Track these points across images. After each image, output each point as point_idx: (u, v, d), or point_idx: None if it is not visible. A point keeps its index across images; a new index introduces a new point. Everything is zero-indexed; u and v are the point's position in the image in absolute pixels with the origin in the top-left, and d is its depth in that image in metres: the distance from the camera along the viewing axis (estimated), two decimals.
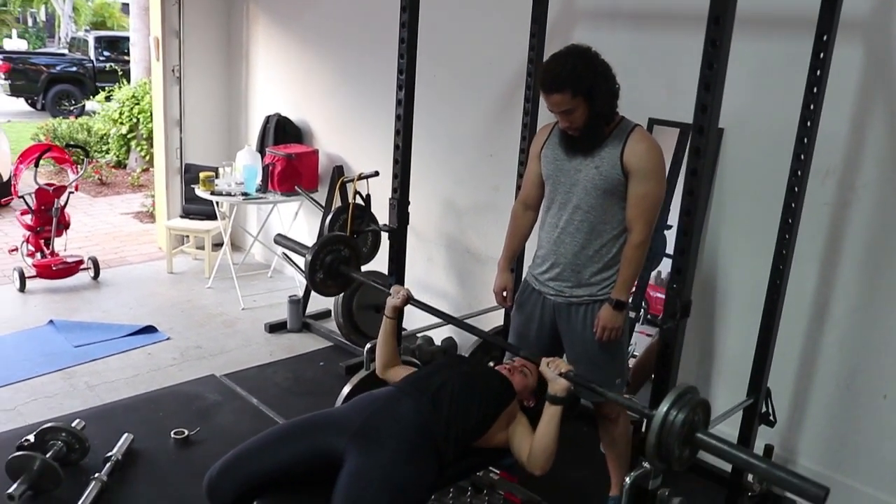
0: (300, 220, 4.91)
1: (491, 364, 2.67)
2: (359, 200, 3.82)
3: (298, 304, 4.26)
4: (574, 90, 2.27)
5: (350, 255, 2.87)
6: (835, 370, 2.76)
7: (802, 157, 2.42)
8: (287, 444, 2.09)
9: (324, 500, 2.01)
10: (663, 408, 1.79)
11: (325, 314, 4.51)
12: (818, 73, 2.35)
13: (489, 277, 3.73)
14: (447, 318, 2.67)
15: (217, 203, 4.83)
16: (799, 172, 2.43)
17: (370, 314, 3.81)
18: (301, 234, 4.99)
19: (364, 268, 3.88)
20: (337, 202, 4.00)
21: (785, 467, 1.74)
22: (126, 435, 2.99)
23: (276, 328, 4.26)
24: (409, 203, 2.90)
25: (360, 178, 3.79)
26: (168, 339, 4.06)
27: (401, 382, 2.31)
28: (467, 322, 2.70)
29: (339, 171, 3.98)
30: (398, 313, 2.57)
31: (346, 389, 2.94)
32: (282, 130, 4.71)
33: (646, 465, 2.09)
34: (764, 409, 2.66)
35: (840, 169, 2.63)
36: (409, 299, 2.56)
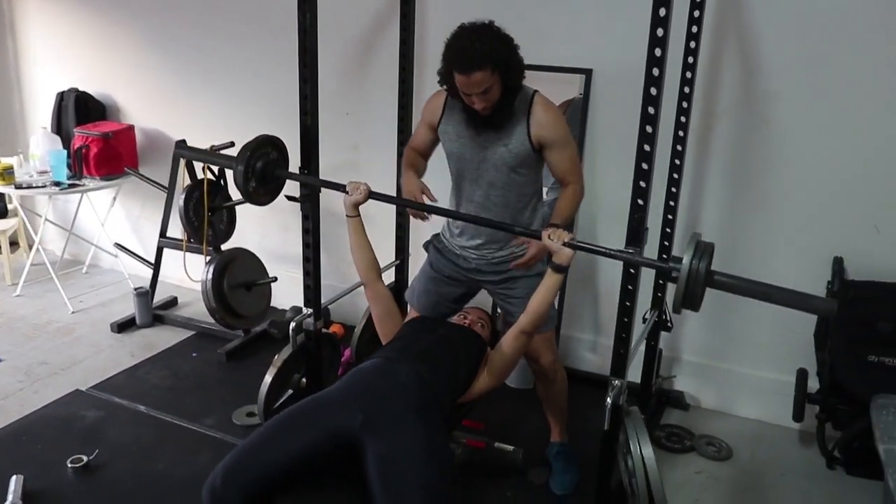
0: (118, 207, 4.40)
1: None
2: (209, 175, 3.54)
3: (147, 296, 3.87)
4: (493, 66, 2.22)
5: (278, 156, 2.68)
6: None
7: (687, 90, 2.71)
8: (294, 435, 1.96)
9: (347, 492, 1.95)
10: (687, 259, 1.95)
11: (171, 303, 4.16)
12: (696, 13, 2.63)
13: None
14: (408, 203, 2.57)
15: (7, 197, 4.17)
16: (685, 104, 2.72)
17: (242, 293, 3.59)
18: (121, 223, 4.51)
19: (224, 246, 3.66)
20: (184, 180, 3.65)
21: (795, 290, 1.99)
22: (15, 477, 2.57)
23: (124, 326, 3.83)
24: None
25: (213, 150, 3.49)
26: (1, 360, 3.49)
27: (387, 351, 2.26)
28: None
29: (182, 145, 3.62)
30: (358, 210, 2.48)
31: (270, 376, 2.80)
32: (83, 108, 4.14)
33: (616, 382, 2.32)
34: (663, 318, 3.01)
35: (701, 98, 2.98)
36: (370, 192, 2.45)
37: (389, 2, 3.40)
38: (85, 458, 2.72)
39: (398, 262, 3.42)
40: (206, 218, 3.52)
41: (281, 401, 2.90)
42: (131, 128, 4.12)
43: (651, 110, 2.09)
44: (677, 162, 2.81)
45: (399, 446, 1.92)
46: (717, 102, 2.97)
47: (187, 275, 3.64)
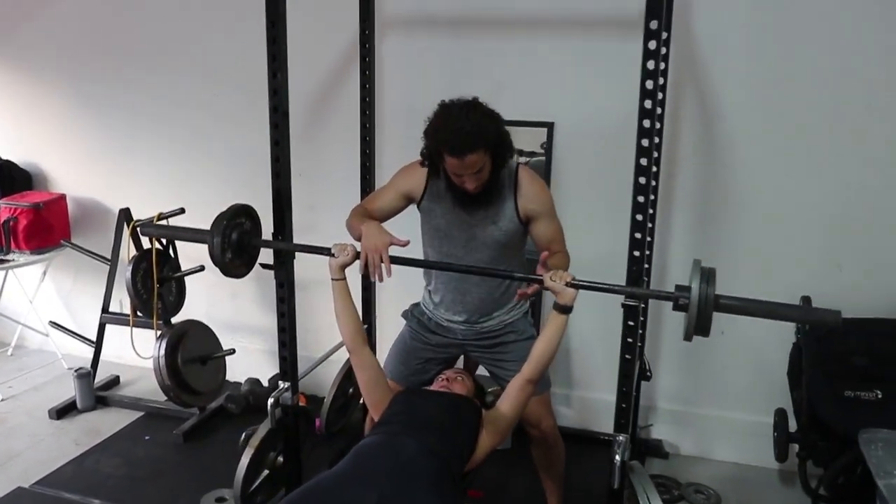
0: (47, 283, 4.09)
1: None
2: (157, 244, 3.33)
3: (89, 377, 3.58)
4: (486, 146, 2.16)
5: (252, 226, 2.52)
6: (679, 318, 3.20)
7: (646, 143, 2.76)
8: None
9: None
10: (695, 285, 1.94)
11: (113, 383, 3.87)
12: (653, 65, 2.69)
13: (315, 303, 3.60)
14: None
15: None
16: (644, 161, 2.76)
17: (197, 368, 3.37)
18: (51, 300, 4.20)
19: (174, 319, 3.45)
20: (127, 250, 3.42)
21: (798, 305, 2.08)
22: None
23: (64, 412, 3.52)
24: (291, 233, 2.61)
25: (161, 218, 3.30)
26: None
27: (388, 426, 2.12)
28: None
29: (126, 214, 3.41)
30: (344, 273, 2.31)
31: (246, 458, 2.61)
32: (7, 177, 3.86)
33: (620, 438, 2.27)
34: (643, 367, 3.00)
35: (665, 145, 3.04)
36: (357, 253, 2.29)
37: (344, 58, 3.35)
38: None
39: (366, 326, 3.28)
40: (154, 290, 3.31)
41: (256, 483, 2.70)
42: (63, 197, 3.86)
43: (644, 161, 2.09)
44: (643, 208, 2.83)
45: None
46: (678, 150, 3.03)
47: (135, 352, 3.39)
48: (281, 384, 2.64)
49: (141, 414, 3.55)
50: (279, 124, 2.48)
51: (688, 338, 2.04)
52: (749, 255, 3.04)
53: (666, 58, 2.72)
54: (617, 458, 2.24)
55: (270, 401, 2.58)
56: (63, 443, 3.29)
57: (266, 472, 2.75)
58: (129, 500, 2.86)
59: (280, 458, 2.79)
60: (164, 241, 3.32)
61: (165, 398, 3.62)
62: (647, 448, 3.25)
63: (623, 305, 2.19)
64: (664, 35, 2.67)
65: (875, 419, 2.72)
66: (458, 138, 2.13)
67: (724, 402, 3.22)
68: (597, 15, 3.03)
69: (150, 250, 3.31)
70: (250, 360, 3.74)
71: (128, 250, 3.36)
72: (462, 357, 2.77)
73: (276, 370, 3.76)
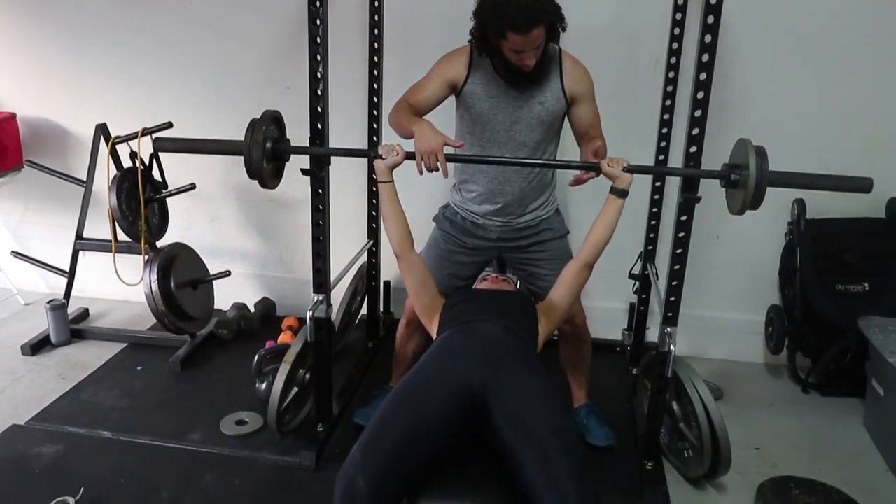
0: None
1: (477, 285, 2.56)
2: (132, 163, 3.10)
3: (64, 309, 3.32)
4: (548, 19, 2.14)
5: (280, 133, 2.38)
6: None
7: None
8: (420, 407, 1.82)
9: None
10: (753, 160, 2.02)
11: (83, 316, 3.62)
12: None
13: (303, 221, 3.47)
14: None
15: None
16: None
17: (189, 293, 3.20)
18: (12, 226, 3.84)
19: (159, 243, 3.26)
20: (103, 169, 3.16)
21: (837, 175, 2.15)
22: None
23: (38, 347, 3.27)
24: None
25: (146, 133, 3.06)
26: None
27: (461, 318, 2.11)
28: None
29: (103, 130, 3.12)
30: (392, 174, 2.23)
31: (283, 374, 2.52)
32: None
33: (668, 330, 2.36)
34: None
35: (664, 57, 3.08)
36: (406, 153, 2.22)
37: None
38: (71, 501, 2.30)
39: (371, 243, 3.21)
40: (142, 210, 3.10)
41: (287, 401, 2.62)
42: (13, 116, 3.50)
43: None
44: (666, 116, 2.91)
45: (522, 400, 1.83)
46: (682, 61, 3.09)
47: (119, 279, 3.18)
48: (315, 297, 2.54)
49: (124, 345, 3.35)
50: (320, 17, 2.28)
51: (742, 211, 2.12)
52: None
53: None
54: (672, 348, 2.35)
55: (309, 314, 2.49)
56: (47, 378, 3.07)
57: (295, 389, 2.68)
58: (143, 430, 2.71)
59: (307, 376, 2.73)
60: (139, 158, 3.10)
61: (147, 328, 3.48)
62: (647, 350, 3.38)
63: (680, 201, 2.26)
64: None
65: (864, 309, 2.97)
66: (523, 13, 2.10)
67: (717, 303, 3.38)
68: None
69: (131, 169, 3.10)
70: (233, 285, 3.57)
71: (107, 170, 3.10)
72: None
73: (261, 294, 3.70)
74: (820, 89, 3.06)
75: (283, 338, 3.37)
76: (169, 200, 3.30)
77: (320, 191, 2.45)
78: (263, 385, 2.94)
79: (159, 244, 3.26)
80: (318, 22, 2.28)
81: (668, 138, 2.94)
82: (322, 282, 2.54)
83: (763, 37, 3.02)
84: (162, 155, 3.12)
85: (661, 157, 2.93)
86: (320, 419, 2.67)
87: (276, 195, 3.55)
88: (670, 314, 2.40)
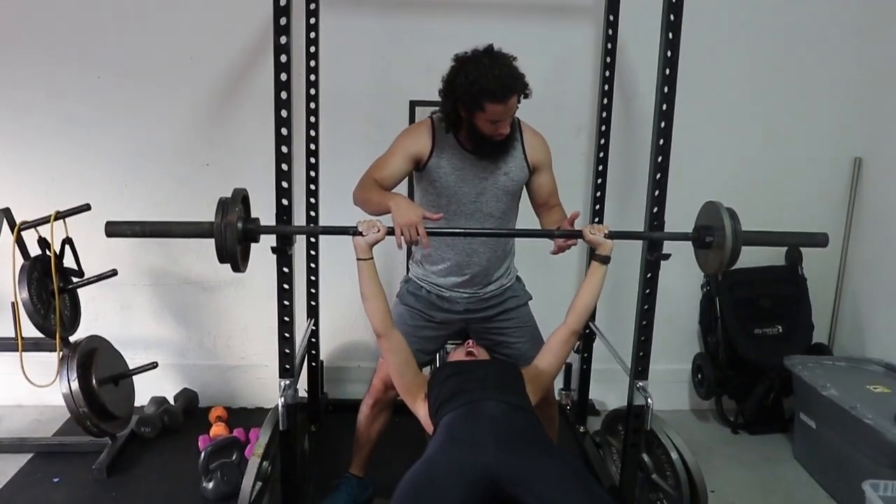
0: None
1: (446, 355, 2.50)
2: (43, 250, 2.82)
3: None
4: (520, 89, 2.21)
5: (246, 213, 2.20)
6: None
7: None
8: (446, 499, 1.74)
9: None
10: (727, 221, 2.14)
11: None
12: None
13: (225, 305, 3.31)
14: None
15: None
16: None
17: (111, 390, 2.91)
18: None
19: (74, 337, 2.96)
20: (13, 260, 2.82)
21: (797, 231, 2.33)
22: None
23: None
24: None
25: (60, 217, 2.78)
26: None
27: (457, 398, 2.06)
28: None
29: (6, 215, 2.79)
30: (371, 252, 2.16)
31: (254, 468, 2.33)
32: None
33: (641, 384, 2.45)
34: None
35: (588, 124, 3.28)
36: (387, 230, 2.16)
37: (260, 37, 3.11)
38: None
39: (311, 322, 3.08)
40: (57, 303, 2.81)
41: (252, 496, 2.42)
42: None
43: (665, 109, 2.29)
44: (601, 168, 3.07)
45: (555, 488, 1.79)
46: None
47: (27, 379, 2.82)
48: (282, 382, 2.39)
49: (29, 455, 2.96)
50: (285, 86, 2.21)
51: (718, 271, 2.25)
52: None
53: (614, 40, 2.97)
54: (650, 401, 2.43)
55: (281, 400, 2.33)
56: None
57: (259, 483, 2.48)
58: None
59: (269, 468, 2.54)
60: (47, 243, 2.82)
61: (52, 434, 3.12)
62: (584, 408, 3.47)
63: (648, 259, 2.38)
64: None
65: (779, 349, 3.24)
66: (500, 84, 2.16)
67: None
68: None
69: (39, 257, 2.80)
70: (149, 378, 3.27)
71: (13, 260, 2.78)
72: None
73: (180, 385, 3.43)
74: (730, 150, 3.35)
75: (216, 430, 3.13)
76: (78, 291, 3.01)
77: (286, 269, 2.33)
78: (211, 484, 2.71)
79: (71, 338, 2.95)
80: (283, 95, 2.21)
81: (602, 202, 3.09)
82: (290, 364, 2.40)
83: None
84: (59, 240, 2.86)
85: (597, 220, 3.07)
86: None
87: (195, 277, 3.39)
88: (640, 368, 2.49)
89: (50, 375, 2.77)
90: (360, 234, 2.15)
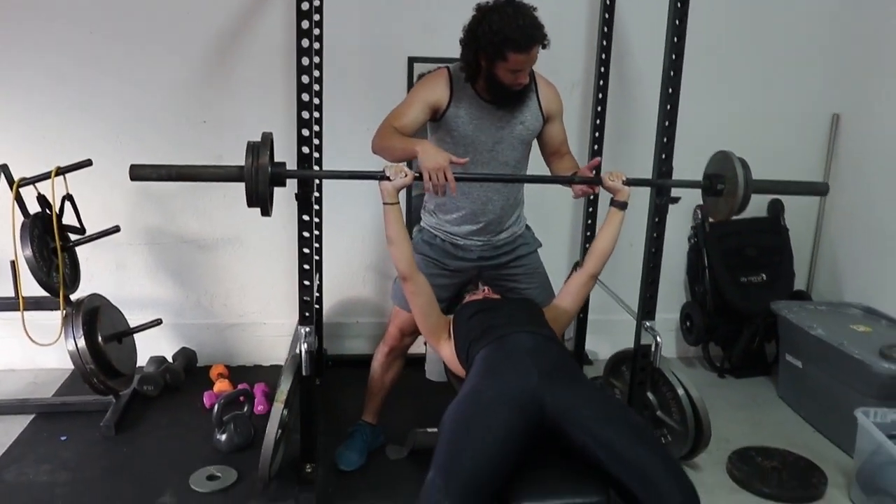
0: None
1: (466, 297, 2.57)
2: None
3: None
4: (542, 39, 2.24)
5: (271, 157, 2.19)
6: None
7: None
8: (488, 423, 1.80)
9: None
10: (740, 169, 2.24)
11: None
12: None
13: (223, 262, 3.31)
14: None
15: None
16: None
17: (115, 347, 2.89)
18: None
19: (73, 296, 2.93)
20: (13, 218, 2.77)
21: (802, 181, 2.56)
22: None
23: None
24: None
25: (60, 172, 2.73)
26: None
27: (488, 334, 2.13)
28: None
29: (4, 171, 2.73)
30: (398, 196, 2.21)
31: (278, 414, 2.36)
32: None
33: (648, 324, 2.56)
34: None
35: (583, 80, 3.35)
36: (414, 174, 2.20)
37: None
38: None
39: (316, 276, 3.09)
40: (60, 260, 2.77)
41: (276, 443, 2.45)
42: None
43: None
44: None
45: (597, 417, 1.87)
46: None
47: (29, 338, 2.79)
48: (302, 329, 2.41)
49: (31, 416, 2.92)
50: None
51: (728, 216, 2.35)
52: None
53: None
54: (659, 339, 2.55)
55: (304, 346, 2.36)
56: None
57: (279, 430, 2.52)
58: (104, 501, 2.40)
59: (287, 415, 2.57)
60: (47, 200, 2.78)
61: (51, 395, 3.10)
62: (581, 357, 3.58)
63: (658, 204, 2.47)
64: None
65: (764, 296, 3.39)
66: (523, 33, 2.19)
67: (635, 306, 3.65)
68: None
69: (39, 214, 2.76)
70: (147, 338, 3.25)
71: (12, 217, 2.72)
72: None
73: (178, 345, 3.43)
74: (719, 105, 3.46)
75: (220, 386, 3.14)
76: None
77: (306, 217, 2.35)
78: (224, 436, 2.73)
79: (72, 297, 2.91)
80: (305, 43, 2.23)
81: (601, 153, 3.17)
82: (310, 312, 2.43)
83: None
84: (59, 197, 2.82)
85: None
86: (307, 459, 2.53)
87: (192, 236, 3.37)
88: (647, 310, 2.59)
89: (48, 336, 2.74)
90: (388, 178, 2.19)
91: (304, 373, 2.39)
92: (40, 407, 2.97)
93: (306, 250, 2.37)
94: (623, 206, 2.34)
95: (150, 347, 3.32)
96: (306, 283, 2.40)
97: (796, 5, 3.43)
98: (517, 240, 2.64)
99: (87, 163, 2.79)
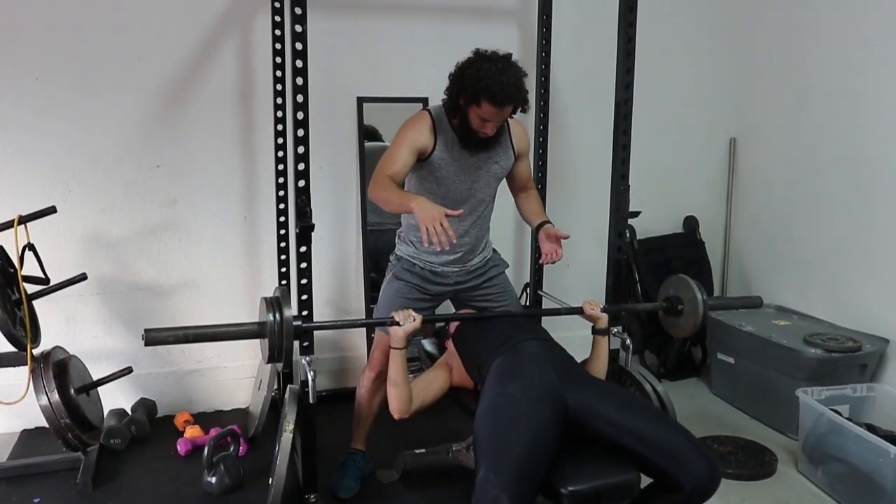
0: None
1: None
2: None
3: None
4: (520, 103, 2.40)
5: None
6: None
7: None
8: (523, 419, 1.97)
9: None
10: (698, 294, 2.58)
11: None
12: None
13: (180, 307, 3.30)
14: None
15: None
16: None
17: (85, 400, 2.78)
18: None
19: (36, 350, 2.83)
20: None
21: (745, 296, 2.89)
22: None
23: None
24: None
25: (23, 221, 2.64)
26: None
27: (496, 347, 2.29)
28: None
29: None
30: (407, 341, 2.31)
31: (287, 443, 2.38)
32: None
33: (617, 329, 2.81)
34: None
35: None
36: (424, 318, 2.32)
37: (215, 33, 3.15)
38: None
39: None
40: (26, 311, 2.67)
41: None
42: None
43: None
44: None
45: (616, 409, 2.08)
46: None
47: None
48: (303, 359, 2.45)
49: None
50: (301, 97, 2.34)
51: (688, 334, 2.70)
52: (584, 208, 3.76)
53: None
54: (628, 342, 2.80)
55: (311, 374, 2.40)
56: None
57: None
58: None
59: None
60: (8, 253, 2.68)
61: (6, 457, 2.95)
62: None
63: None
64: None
65: None
66: (504, 91, 2.34)
67: (573, 323, 3.91)
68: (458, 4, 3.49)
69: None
70: (101, 391, 3.13)
71: None
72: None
73: (135, 396, 3.33)
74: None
75: (192, 432, 3.09)
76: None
77: (303, 249, 2.44)
78: (214, 478, 2.71)
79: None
80: (300, 98, 2.41)
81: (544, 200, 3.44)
82: (309, 342, 2.48)
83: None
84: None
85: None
86: (309, 489, 2.56)
87: (147, 283, 3.34)
88: (616, 318, 2.84)
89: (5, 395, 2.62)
90: (398, 324, 2.27)
91: (311, 401, 2.44)
92: (2, 472, 2.80)
93: (304, 281, 2.46)
94: (605, 332, 2.54)
95: (107, 401, 3.19)
96: (304, 313, 2.47)
97: (695, 50, 3.91)
98: (487, 262, 2.82)
99: (52, 210, 2.71)
